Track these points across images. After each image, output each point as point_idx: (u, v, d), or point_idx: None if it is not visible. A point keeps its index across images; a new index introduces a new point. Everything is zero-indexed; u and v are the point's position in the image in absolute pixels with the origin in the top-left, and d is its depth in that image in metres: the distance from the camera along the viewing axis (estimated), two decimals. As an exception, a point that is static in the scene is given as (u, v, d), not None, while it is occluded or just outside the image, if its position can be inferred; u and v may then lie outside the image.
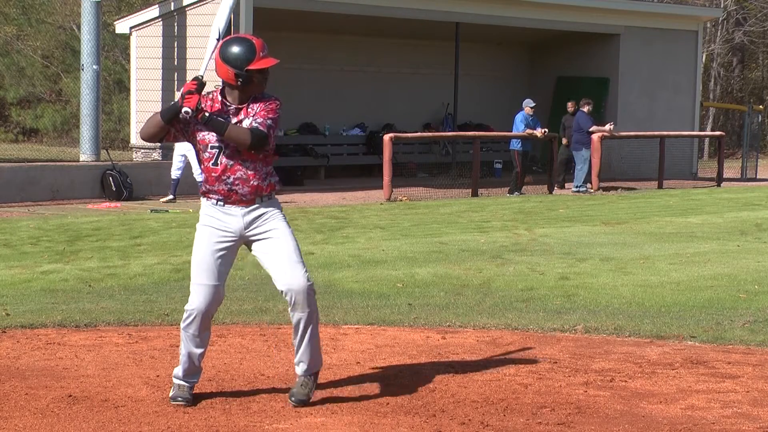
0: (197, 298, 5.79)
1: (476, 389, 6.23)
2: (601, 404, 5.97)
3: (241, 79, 5.68)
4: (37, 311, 8.57)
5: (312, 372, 5.96)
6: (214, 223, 5.80)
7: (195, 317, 5.81)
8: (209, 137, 5.73)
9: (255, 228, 5.80)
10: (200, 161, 5.85)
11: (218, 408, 5.80)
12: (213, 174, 5.76)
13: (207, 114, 5.64)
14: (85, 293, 9.66)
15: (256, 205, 5.80)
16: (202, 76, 5.70)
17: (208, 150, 5.75)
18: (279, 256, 5.77)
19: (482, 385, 6.33)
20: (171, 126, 5.75)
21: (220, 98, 5.78)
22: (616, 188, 24.01)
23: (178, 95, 5.82)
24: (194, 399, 5.88)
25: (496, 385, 6.32)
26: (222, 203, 5.78)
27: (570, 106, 24.50)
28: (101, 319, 8.26)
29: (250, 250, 5.92)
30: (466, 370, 6.70)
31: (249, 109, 5.75)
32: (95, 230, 14.61)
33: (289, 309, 5.85)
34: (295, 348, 5.94)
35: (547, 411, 5.82)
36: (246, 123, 5.71)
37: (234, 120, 5.71)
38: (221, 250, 5.79)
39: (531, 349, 7.36)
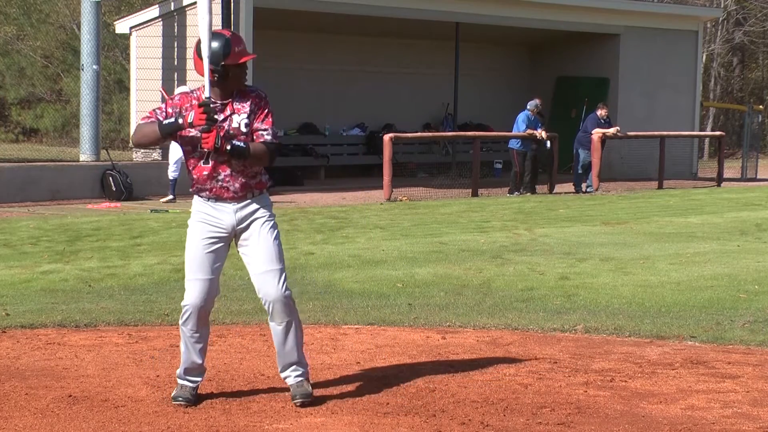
0: (192, 292, 5.81)
1: (476, 389, 6.23)
2: (601, 404, 5.97)
3: (217, 75, 5.68)
4: (37, 311, 8.58)
5: (305, 375, 5.95)
6: (207, 218, 5.81)
7: (191, 312, 5.82)
8: (198, 138, 5.71)
9: (244, 225, 5.81)
10: (188, 161, 5.83)
11: (218, 408, 5.80)
12: (204, 173, 5.77)
13: (229, 147, 5.62)
14: (85, 293, 9.66)
15: (248, 201, 5.80)
16: (209, 98, 5.62)
17: (198, 150, 5.74)
18: (258, 264, 5.79)
19: (482, 385, 6.33)
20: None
21: (203, 96, 5.74)
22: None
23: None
24: (195, 400, 5.87)
25: (496, 385, 6.32)
26: (214, 200, 5.80)
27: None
28: (101, 319, 8.26)
29: (237, 248, 5.92)
30: (466, 370, 6.71)
31: (235, 105, 5.74)
32: (95, 230, 14.61)
33: (268, 318, 5.87)
34: (280, 354, 5.93)
35: (547, 411, 5.82)
36: (236, 120, 5.72)
37: (221, 116, 5.71)
38: (214, 244, 5.80)
39: (531, 349, 7.36)
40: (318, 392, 6.08)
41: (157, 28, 22.95)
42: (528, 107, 22.96)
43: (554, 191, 23.18)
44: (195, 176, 5.82)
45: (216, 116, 5.62)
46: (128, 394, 6.04)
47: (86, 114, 21.62)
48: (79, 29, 26.79)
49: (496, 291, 10.00)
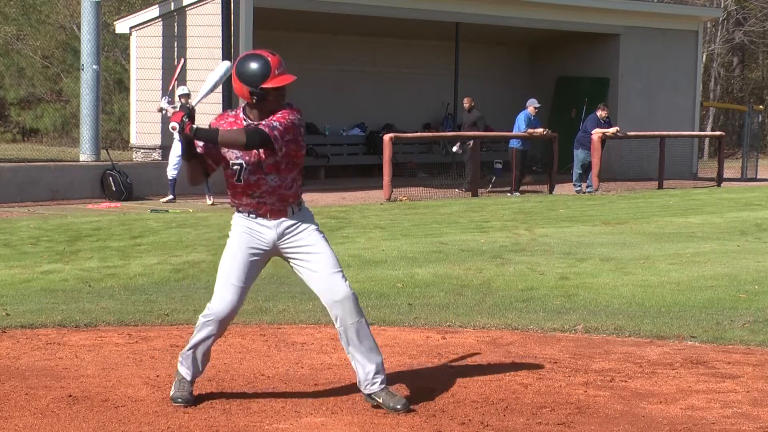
0: (222, 299, 5.75)
1: (476, 389, 6.23)
2: (601, 404, 5.97)
3: (255, 97, 5.63)
4: (37, 311, 8.57)
5: (385, 376, 5.84)
6: (248, 230, 5.76)
7: (213, 319, 5.79)
8: (230, 154, 5.67)
9: (288, 240, 5.75)
10: (226, 177, 5.79)
11: (218, 408, 5.80)
12: (238, 189, 5.73)
13: (194, 126, 5.54)
14: (85, 293, 9.66)
15: (288, 216, 5.76)
16: (187, 102, 5.66)
17: (231, 167, 5.70)
18: (322, 268, 5.72)
19: (482, 385, 6.33)
20: (200, 162, 5.71)
21: (242, 116, 5.72)
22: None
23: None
24: (195, 400, 5.87)
25: (496, 385, 6.32)
26: (254, 215, 5.75)
27: (466, 102, 23.84)
28: (101, 319, 8.26)
29: (288, 263, 5.86)
30: (466, 370, 6.70)
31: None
32: (95, 230, 14.61)
33: (337, 324, 5.76)
34: (359, 362, 5.77)
35: (547, 411, 5.82)
36: None
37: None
38: (253, 255, 5.75)
39: (531, 349, 7.36)
40: (318, 392, 6.08)
41: (157, 28, 22.96)
42: (528, 106, 22.97)
43: (554, 191, 23.19)
44: (231, 192, 5.78)
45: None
46: (128, 394, 6.04)
47: (86, 114, 21.63)
48: (79, 29, 26.81)
49: (496, 291, 10.00)
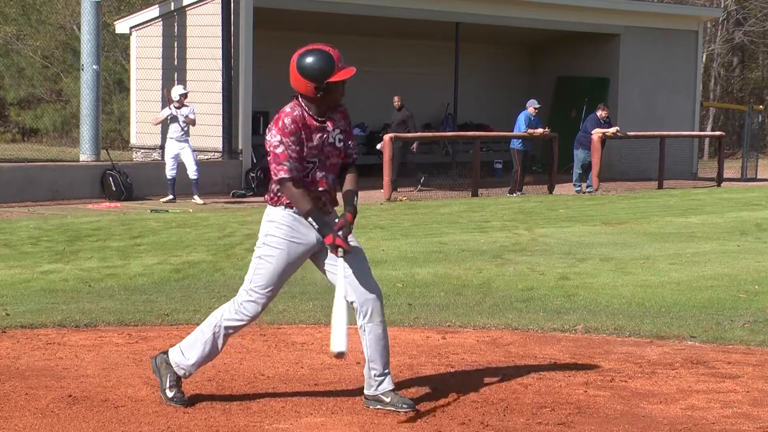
0: (259, 306, 5.73)
1: (476, 389, 6.22)
2: (601, 404, 5.97)
3: (321, 92, 5.59)
4: (37, 311, 8.57)
5: (391, 377, 5.86)
6: (296, 235, 5.68)
7: (246, 323, 5.79)
8: (307, 153, 5.62)
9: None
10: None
11: (218, 408, 5.80)
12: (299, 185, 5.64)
13: (353, 212, 5.62)
14: (85, 293, 9.65)
15: (330, 215, 5.75)
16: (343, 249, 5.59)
17: (304, 165, 5.64)
18: (353, 265, 5.69)
19: (482, 385, 6.33)
20: (303, 174, 5.62)
21: (308, 114, 5.64)
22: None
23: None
24: (191, 400, 5.87)
25: (496, 385, 6.32)
26: (298, 214, 5.67)
27: (396, 101, 23.69)
28: (101, 319, 8.26)
29: (316, 262, 5.81)
30: (466, 370, 6.71)
31: (333, 121, 5.70)
32: (95, 230, 14.61)
33: (365, 321, 5.71)
34: (377, 359, 5.75)
35: (547, 411, 5.82)
36: (332, 136, 5.66)
37: (324, 134, 5.64)
38: (298, 260, 5.74)
39: (531, 349, 7.36)
40: (318, 392, 6.08)
41: (157, 28, 22.96)
42: (528, 106, 22.98)
43: (554, 191, 23.19)
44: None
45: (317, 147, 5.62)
46: (128, 394, 6.04)
47: (86, 114, 21.63)
48: (79, 29, 26.81)
49: (496, 291, 10.00)
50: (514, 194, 22.33)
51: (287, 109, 5.66)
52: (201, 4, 22.31)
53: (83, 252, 12.49)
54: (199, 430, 5.42)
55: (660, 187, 25.14)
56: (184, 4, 22.52)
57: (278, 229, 5.70)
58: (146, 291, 9.83)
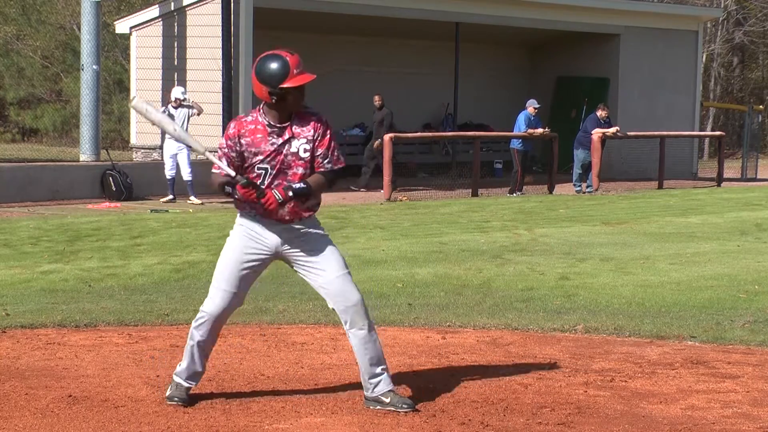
0: (214, 302, 5.78)
1: (476, 389, 6.23)
2: (601, 404, 5.97)
3: (275, 97, 5.59)
4: (37, 311, 8.57)
5: (390, 377, 5.87)
6: (250, 234, 5.72)
7: (207, 320, 5.80)
8: (256, 159, 5.64)
9: (294, 245, 5.73)
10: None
11: (218, 408, 5.80)
12: (252, 196, 5.64)
13: (291, 194, 5.58)
14: (85, 293, 9.65)
15: (296, 223, 5.72)
16: (237, 177, 5.58)
17: (255, 171, 5.66)
18: (331, 271, 5.72)
19: (482, 385, 6.33)
20: (231, 176, 5.65)
21: (261, 120, 5.66)
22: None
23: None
24: (191, 400, 5.87)
25: (496, 385, 6.32)
26: (261, 217, 5.70)
27: (377, 100, 23.61)
28: (101, 319, 8.26)
29: (292, 267, 5.85)
30: (466, 370, 6.70)
31: (294, 129, 5.65)
32: (95, 230, 14.61)
33: (348, 328, 5.76)
34: (369, 362, 5.77)
35: (547, 411, 5.82)
36: (294, 145, 5.63)
37: (279, 141, 5.63)
38: (251, 261, 5.75)
39: (531, 349, 7.36)
40: (318, 392, 6.08)
41: (157, 28, 22.96)
42: (528, 106, 22.98)
43: (554, 191, 23.18)
44: (242, 197, 5.71)
45: (268, 158, 5.61)
46: (128, 394, 6.04)
47: (86, 114, 21.63)
48: (79, 29, 26.81)
49: (496, 291, 10.00)
50: (514, 194, 22.33)
51: (243, 113, 5.76)
52: (201, 4, 22.31)
53: (83, 252, 12.49)
54: (199, 430, 5.42)
55: (660, 187, 25.14)
56: (184, 4, 22.52)
57: (234, 231, 5.80)
58: (146, 291, 9.83)
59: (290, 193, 5.59)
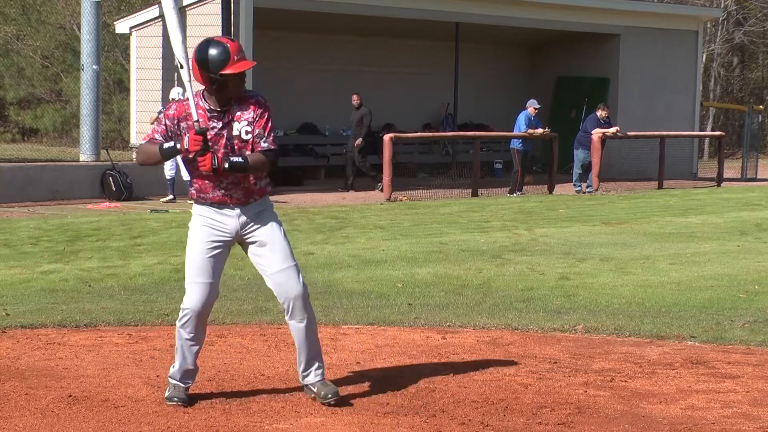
0: (192, 296, 5.81)
1: (476, 389, 6.23)
2: (601, 404, 5.97)
3: (216, 84, 5.66)
4: (37, 311, 8.57)
5: (324, 372, 5.99)
6: (209, 222, 5.80)
7: (191, 316, 5.84)
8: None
9: (249, 229, 5.81)
10: (191, 170, 5.80)
11: (218, 408, 5.80)
12: (206, 182, 5.75)
13: (227, 165, 5.62)
14: (85, 293, 9.66)
15: (251, 205, 5.80)
16: (200, 123, 5.62)
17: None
18: (274, 263, 5.80)
19: (482, 385, 6.33)
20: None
21: (201, 105, 5.73)
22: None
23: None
24: (190, 400, 5.88)
25: (496, 385, 6.32)
26: (217, 206, 5.79)
27: (355, 99, 23.50)
28: (101, 319, 8.26)
29: (246, 253, 5.93)
30: (466, 370, 6.70)
31: (233, 113, 5.72)
32: (95, 230, 14.61)
33: (287, 317, 5.87)
34: (302, 352, 5.93)
35: (547, 411, 5.82)
36: (236, 127, 5.70)
37: (219, 124, 5.70)
38: (215, 248, 5.80)
39: (531, 349, 7.36)
40: (318, 392, 6.08)
41: (157, 28, 22.93)
42: (528, 106, 22.99)
43: (554, 191, 23.19)
44: (197, 185, 5.80)
45: (209, 139, 5.62)
46: (128, 394, 6.04)
47: (86, 114, 21.63)
48: (79, 29, 26.80)
49: (496, 291, 10.00)
50: (514, 194, 22.33)
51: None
52: (201, 4, 22.29)
53: (83, 252, 12.49)
54: (199, 430, 5.42)
55: (660, 187, 25.15)
56: (184, 4, 22.49)
57: (193, 223, 5.85)
58: (146, 291, 9.83)
59: (226, 165, 5.63)
